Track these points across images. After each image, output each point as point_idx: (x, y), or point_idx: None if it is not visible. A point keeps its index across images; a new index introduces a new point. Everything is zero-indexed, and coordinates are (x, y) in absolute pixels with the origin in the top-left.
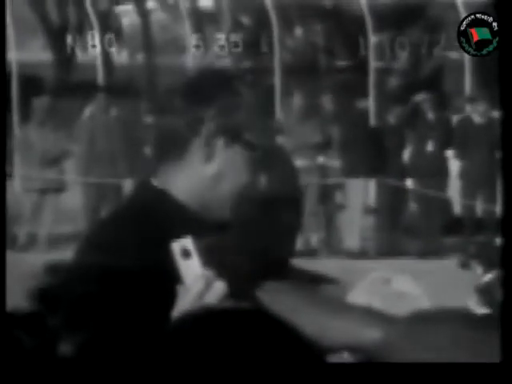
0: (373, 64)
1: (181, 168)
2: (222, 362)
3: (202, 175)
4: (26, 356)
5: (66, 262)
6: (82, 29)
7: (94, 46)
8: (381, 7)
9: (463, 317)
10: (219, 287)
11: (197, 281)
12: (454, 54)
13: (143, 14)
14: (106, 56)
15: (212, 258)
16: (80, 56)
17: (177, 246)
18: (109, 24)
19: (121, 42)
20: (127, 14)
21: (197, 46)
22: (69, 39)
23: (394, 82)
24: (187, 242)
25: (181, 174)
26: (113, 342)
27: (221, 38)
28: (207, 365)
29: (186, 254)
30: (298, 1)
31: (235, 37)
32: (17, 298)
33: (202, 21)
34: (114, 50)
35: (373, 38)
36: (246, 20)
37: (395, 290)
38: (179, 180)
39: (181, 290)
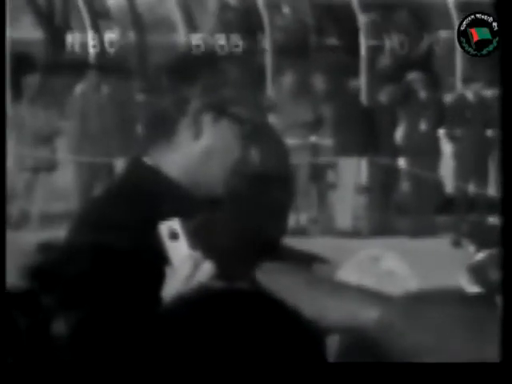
0: (364, 43)
1: (171, 146)
2: (218, 344)
3: (192, 152)
4: (20, 335)
5: (59, 241)
6: (69, 6)
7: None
8: None
9: (459, 296)
10: (207, 268)
11: (184, 262)
12: (444, 33)
13: None
14: (97, 34)
15: (199, 240)
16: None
17: (164, 228)
18: (95, 5)
19: (110, 19)
20: None
21: (187, 21)
22: (57, 19)
23: (385, 61)
24: (174, 224)
25: (172, 151)
26: (106, 322)
27: (209, 18)
28: (203, 347)
29: (173, 235)
30: None
31: (224, 17)
32: (10, 277)
33: (189, 2)
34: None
35: (363, 17)
36: (233, 1)
37: (384, 268)
38: (170, 158)
39: (169, 271)
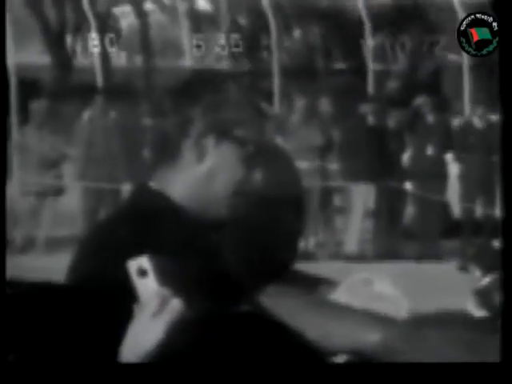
0: (372, 66)
1: (176, 170)
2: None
3: (196, 175)
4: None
5: (27, 280)
6: (80, 31)
7: (94, 47)
8: (379, 9)
9: (462, 319)
10: (176, 305)
11: (152, 299)
12: (453, 56)
13: (141, 15)
14: (105, 59)
15: (168, 277)
16: (79, 58)
17: (133, 265)
18: (107, 26)
19: (119, 43)
20: (126, 16)
21: (197, 46)
22: (68, 41)
23: (393, 84)
24: (143, 261)
25: (176, 175)
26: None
27: (220, 38)
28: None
29: (141, 272)
30: (296, 2)
31: (234, 38)
32: None
33: (200, 23)
34: (113, 50)
35: (371, 40)
36: (243, 22)
37: (376, 291)
38: (175, 182)
39: (136, 308)
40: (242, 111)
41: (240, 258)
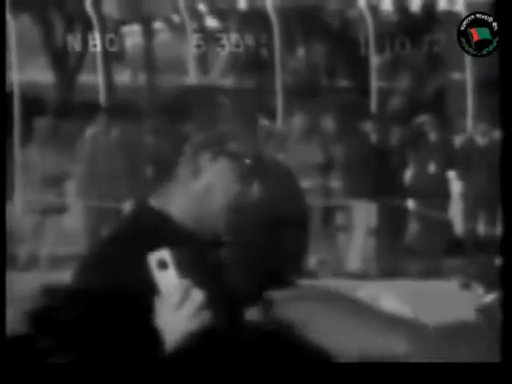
0: (375, 85)
1: (174, 187)
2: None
3: (192, 192)
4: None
5: (62, 285)
6: (85, 49)
7: (98, 64)
8: (383, 27)
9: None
10: (197, 296)
11: (173, 290)
12: (456, 75)
13: (148, 34)
14: (108, 76)
15: (188, 269)
16: (82, 76)
17: (153, 258)
18: (112, 44)
19: (123, 62)
20: (131, 35)
21: (201, 64)
22: (71, 59)
23: (396, 102)
24: (164, 254)
25: (174, 193)
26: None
27: (225, 55)
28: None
29: (162, 265)
30: (302, 22)
31: (239, 55)
32: (14, 319)
33: (207, 40)
34: (117, 68)
35: (374, 59)
36: (249, 40)
37: (383, 308)
38: (174, 199)
39: (158, 300)
40: (236, 126)
41: (243, 276)
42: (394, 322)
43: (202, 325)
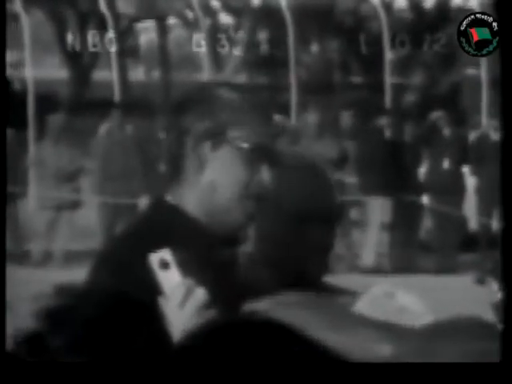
0: (389, 80)
1: (184, 182)
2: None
3: (200, 185)
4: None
5: (76, 284)
6: (99, 45)
7: (112, 61)
8: (398, 24)
9: (477, 326)
10: (200, 294)
11: (176, 289)
12: (471, 71)
13: (162, 30)
14: (122, 73)
15: (190, 268)
16: (96, 72)
17: (155, 258)
18: (127, 41)
19: (137, 58)
20: (146, 31)
21: (216, 60)
22: (85, 56)
23: (410, 98)
24: (165, 254)
25: (185, 188)
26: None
27: (239, 51)
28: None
29: (164, 265)
30: (316, 18)
31: (253, 52)
32: (27, 316)
33: (221, 37)
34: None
35: (389, 55)
36: (263, 36)
37: (398, 304)
38: (186, 194)
39: (161, 300)
40: (234, 112)
41: (268, 272)
42: (379, 328)
43: (206, 322)
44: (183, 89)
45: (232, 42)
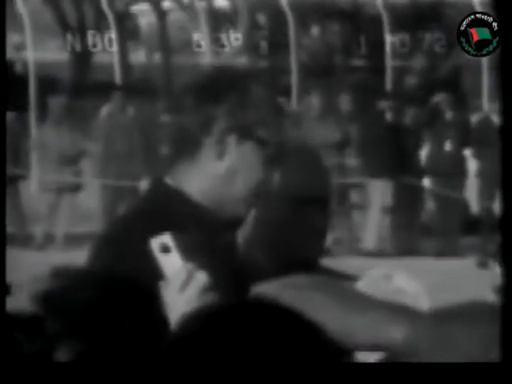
0: (390, 63)
1: (194, 166)
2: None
3: (215, 173)
4: (23, 360)
5: (75, 266)
6: (98, 28)
7: (113, 44)
8: (398, 6)
9: (490, 310)
10: (201, 278)
11: (178, 273)
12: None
13: (160, 13)
14: (123, 55)
15: (191, 252)
16: (97, 55)
17: (155, 243)
18: (126, 24)
19: (138, 41)
20: (145, 14)
21: (215, 44)
22: (86, 38)
23: (411, 81)
24: (166, 238)
25: (194, 172)
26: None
27: (238, 35)
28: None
29: (165, 249)
30: (315, 0)
31: (252, 35)
32: (28, 299)
33: (219, 20)
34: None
35: (390, 38)
36: (262, 19)
37: (396, 286)
38: (193, 179)
39: (162, 284)
40: (264, 111)
41: (265, 255)
42: (390, 310)
43: (207, 306)
44: (209, 73)
45: (231, 25)
